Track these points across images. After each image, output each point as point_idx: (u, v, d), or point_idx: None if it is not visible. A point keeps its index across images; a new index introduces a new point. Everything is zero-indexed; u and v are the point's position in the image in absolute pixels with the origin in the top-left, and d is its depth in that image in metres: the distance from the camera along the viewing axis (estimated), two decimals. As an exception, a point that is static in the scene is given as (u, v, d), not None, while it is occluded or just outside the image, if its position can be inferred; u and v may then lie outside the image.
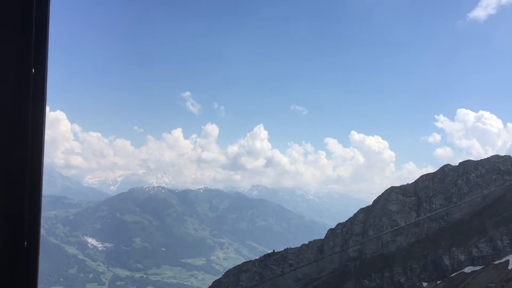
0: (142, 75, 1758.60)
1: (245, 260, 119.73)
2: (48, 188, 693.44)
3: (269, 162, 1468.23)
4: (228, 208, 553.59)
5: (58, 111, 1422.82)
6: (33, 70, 2.22)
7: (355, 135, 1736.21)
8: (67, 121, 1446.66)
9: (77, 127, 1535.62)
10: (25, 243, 2.16)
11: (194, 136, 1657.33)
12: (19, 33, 2.28)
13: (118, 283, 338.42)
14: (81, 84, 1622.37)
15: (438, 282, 77.84)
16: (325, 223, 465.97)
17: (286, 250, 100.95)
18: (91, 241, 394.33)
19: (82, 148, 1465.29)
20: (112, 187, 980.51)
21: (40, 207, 2.25)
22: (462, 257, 78.38)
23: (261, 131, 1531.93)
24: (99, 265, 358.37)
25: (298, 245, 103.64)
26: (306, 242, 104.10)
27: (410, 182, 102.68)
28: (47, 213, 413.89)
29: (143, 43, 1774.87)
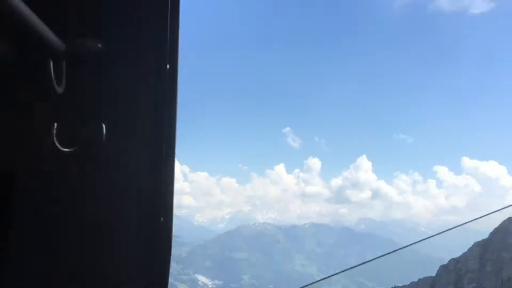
0: (242, 114, 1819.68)
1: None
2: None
3: (376, 194, 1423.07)
4: (336, 243, 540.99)
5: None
6: (167, 66, 2.25)
7: (467, 161, 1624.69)
8: (177, 162, 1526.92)
9: (186, 168, 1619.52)
10: (162, 219, 2.35)
11: (297, 171, 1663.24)
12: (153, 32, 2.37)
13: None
14: (186, 126, 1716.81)
15: None
16: (440, 257, 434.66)
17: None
18: (202, 278, 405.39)
19: (191, 188, 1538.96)
20: (220, 225, 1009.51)
21: (173, 188, 2.45)
22: None
23: (364, 162, 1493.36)
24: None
25: (412, 281, 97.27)
26: (421, 278, 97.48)
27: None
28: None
29: (242, 80, 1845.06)
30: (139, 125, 2.35)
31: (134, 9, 2.38)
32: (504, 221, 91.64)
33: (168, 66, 2.38)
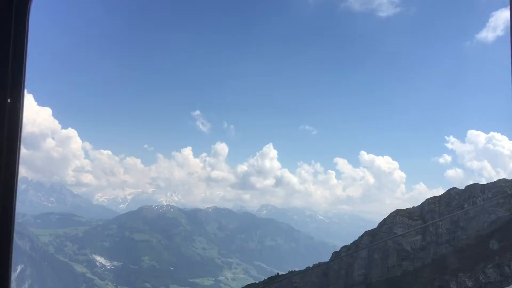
0: (152, 94, 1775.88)
1: (253, 281, 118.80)
2: (58, 205, 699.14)
3: (279, 182, 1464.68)
4: (237, 228, 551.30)
5: (70, 128, 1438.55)
6: (9, 100, 2.25)
7: (365, 155, 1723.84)
8: (78, 138, 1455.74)
9: (88, 145, 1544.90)
10: None
11: (203, 155, 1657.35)
12: None
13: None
14: (92, 102, 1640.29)
15: (444, 308, 76.71)
16: (334, 244, 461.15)
17: (291, 272, 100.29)
18: (100, 259, 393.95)
19: (92, 166, 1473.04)
20: (121, 205, 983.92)
21: (13, 218, 2.32)
22: (469, 283, 77.19)
23: (270, 151, 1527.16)
24: (107, 284, 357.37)
25: (308, 265, 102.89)
26: (316, 263, 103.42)
27: (420, 204, 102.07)
28: (56, 231, 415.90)
29: (154, 62, 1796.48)
30: None
31: None
32: (392, 212, 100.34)
33: (9, 100, 2.22)
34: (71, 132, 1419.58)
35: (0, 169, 2.26)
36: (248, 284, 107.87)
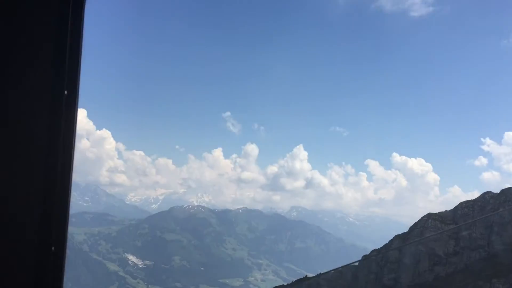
0: (183, 95, 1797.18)
1: (283, 283, 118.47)
2: (92, 205, 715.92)
3: (309, 183, 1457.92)
4: (267, 229, 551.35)
5: (104, 129, 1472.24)
6: (65, 92, 2.24)
7: (397, 157, 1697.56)
8: (112, 139, 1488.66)
9: (121, 146, 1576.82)
10: (53, 248, 2.19)
11: (234, 156, 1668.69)
12: (53, 54, 2.28)
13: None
14: (126, 104, 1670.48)
15: (477, 315, 74.85)
16: (365, 247, 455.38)
17: (319, 275, 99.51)
18: (132, 258, 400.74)
19: (126, 166, 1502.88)
20: (153, 205, 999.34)
21: (68, 214, 2.32)
22: (503, 289, 75.08)
23: (300, 152, 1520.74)
24: (138, 282, 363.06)
25: (338, 268, 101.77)
26: (345, 266, 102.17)
27: (453, 208, 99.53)
28: (90, 230, 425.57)
29: (185, 63, 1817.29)
30: (26, 155, 2.20)
31: (30, 30, 2.22)
32: (424, 216, 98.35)
33: (66, 92, 2.21)
34: (105, 133, 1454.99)
35: (58, 156, 2.33)
36: (277, 286, 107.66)
